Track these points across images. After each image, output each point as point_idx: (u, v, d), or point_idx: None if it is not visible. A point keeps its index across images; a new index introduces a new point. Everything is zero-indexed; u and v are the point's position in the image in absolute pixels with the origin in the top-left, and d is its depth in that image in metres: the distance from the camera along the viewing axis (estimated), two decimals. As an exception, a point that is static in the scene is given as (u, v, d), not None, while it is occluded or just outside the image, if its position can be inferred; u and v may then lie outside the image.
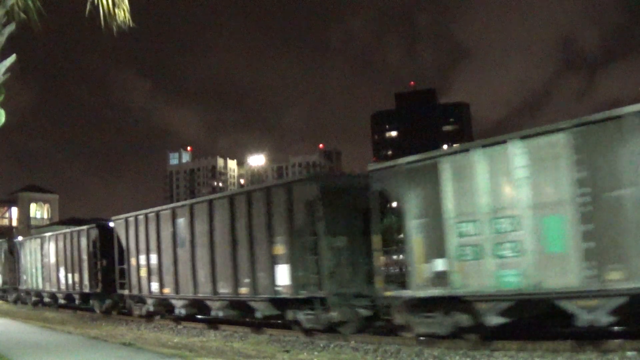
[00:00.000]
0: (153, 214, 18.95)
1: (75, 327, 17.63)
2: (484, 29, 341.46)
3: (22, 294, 31.03)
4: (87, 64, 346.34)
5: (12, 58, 5.40)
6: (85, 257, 22.84)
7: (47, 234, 27.42)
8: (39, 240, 27.88)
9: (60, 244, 25.19)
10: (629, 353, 8.84)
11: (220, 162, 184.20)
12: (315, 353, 11.69)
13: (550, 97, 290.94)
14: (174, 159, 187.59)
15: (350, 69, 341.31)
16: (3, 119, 5.34)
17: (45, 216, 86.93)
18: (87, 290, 22.86)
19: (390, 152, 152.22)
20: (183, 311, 17.92)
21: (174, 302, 18.17)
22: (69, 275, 24.26)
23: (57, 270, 25.40)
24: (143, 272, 19.14)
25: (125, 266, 20.10)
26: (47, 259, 26.54)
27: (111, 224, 21.70)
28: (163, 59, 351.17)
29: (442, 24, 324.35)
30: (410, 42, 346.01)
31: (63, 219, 72.45)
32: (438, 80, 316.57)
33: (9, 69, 5.39)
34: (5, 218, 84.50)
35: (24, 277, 29.56)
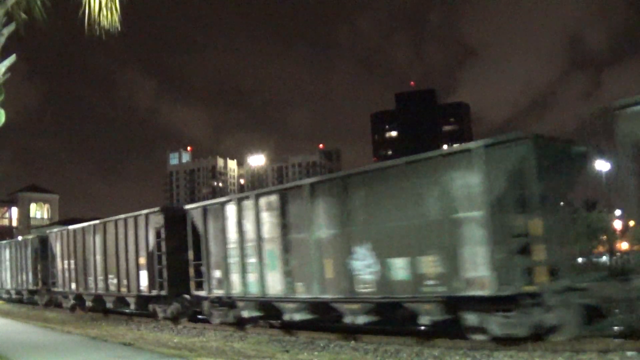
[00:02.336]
0: None
1: (76, 327, 17.61)
2: (491, 28, 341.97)
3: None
4: (94, 64, 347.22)
5: (12, 58, 5.40)
6: None
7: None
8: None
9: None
10: (629, 353, 8.84)
11: (220, 162, 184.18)
12: (315, 353, 11.69)
13: (556, 97, 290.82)
14: (174, 159, 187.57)
15: (356, 69, 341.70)
16: (3, 119, 5.34)
17: (45, 216, 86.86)
18: None
19: (390, 152, 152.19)
20: None
21: None
22: None
23: None
24: None
25: None
26: None
27: None
28: (168, 59, 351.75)
29: (451, 23, 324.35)
30: (418, 42, 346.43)
31: (63, 219, 72.46)
32: (444, 79, 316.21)
33: (9, 69, 5.39)
34: (5, 218, 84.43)
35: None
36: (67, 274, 24.39)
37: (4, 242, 34.17)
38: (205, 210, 16.61)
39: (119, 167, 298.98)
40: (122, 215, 20.45)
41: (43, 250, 27.27)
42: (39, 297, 28.44)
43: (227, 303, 16.01)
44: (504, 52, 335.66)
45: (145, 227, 18.76)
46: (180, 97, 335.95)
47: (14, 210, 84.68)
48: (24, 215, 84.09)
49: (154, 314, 19.05)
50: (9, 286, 32.04)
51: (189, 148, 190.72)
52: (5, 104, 5.42)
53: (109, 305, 21.63)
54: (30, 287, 28.84)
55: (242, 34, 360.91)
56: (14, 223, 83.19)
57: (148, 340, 14.22)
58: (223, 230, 15.87)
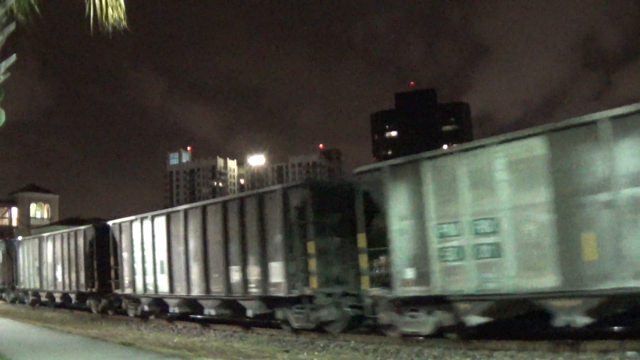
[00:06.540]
0: None
1: (75, 327, 17.62)
2: (504, 27, 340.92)
3: None
4: (105, 64, 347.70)
5: (12, 58, 5.40)
6: None
7: None
8: None
9: None
10: (629, 353, 8.85)
11: (220, 162, 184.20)
12: (316, 353, 11.69)
13: (567, 96, 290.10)
14: (174, 159, 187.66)
15: (365, 69, 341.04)
16: (3, 119, 5.34)
17: (45, 216, 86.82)
18: None
19: (390, 152, 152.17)
20: None
21: None
22: None
23: None
24: None
25: None
26: None
27: None
28: (179, 59, 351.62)
29: (466, 22, 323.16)
30: (431, 42, 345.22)
31: (63, 219, 72.47)
32: (455, 79, 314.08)
33: (9, 69, 5.39)
34: (5, 218, 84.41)
35: None
36: (27, 275, 29.31)
37: None
38: (120, 226, 20.45)
39: (118, 167, 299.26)
40: (67, 230, 25.76)
41: (9, 254, 31.53)
42: (6, 294, 33.23)
43: (136, 299, 19.93)
44: (516, 51, 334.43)
45: (83, 239, 23.39)
46: (189, 97, 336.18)
47: (14, 210, 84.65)
48: (24, 215, 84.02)
49: (89, 309, 23.55)
50: None
51: (189, 148, 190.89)
52: (5, 104, 5.42)
53: (58, 300, 26.26)
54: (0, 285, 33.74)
55: (252, 33, 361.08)
56: (14, 223, 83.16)
57: (148, 340, 14.23)
58: (131, 242, 19.76)
